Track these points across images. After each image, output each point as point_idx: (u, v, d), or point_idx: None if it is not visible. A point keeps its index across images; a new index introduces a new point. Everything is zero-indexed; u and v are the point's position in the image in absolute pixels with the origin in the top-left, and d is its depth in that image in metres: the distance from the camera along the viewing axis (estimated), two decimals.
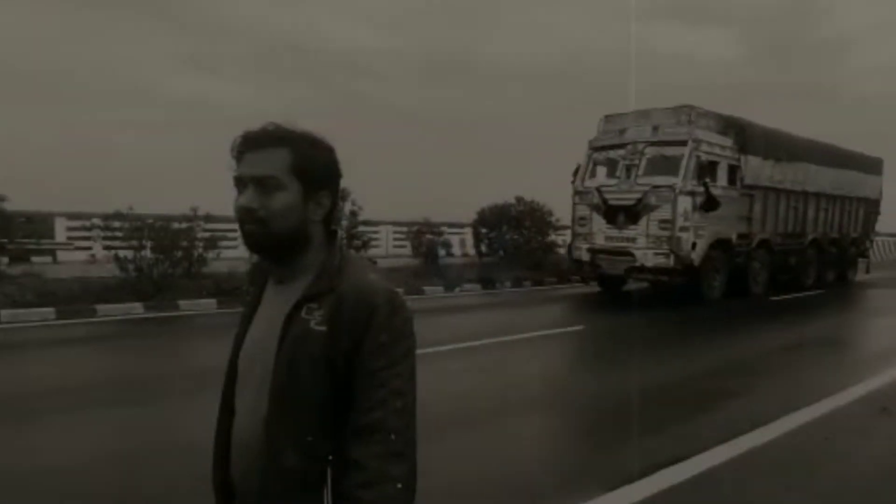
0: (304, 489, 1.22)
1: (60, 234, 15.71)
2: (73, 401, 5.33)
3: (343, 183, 1.36)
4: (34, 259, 13.24)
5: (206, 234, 12.11)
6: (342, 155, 1.33)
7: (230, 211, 1.28)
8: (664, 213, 11.96)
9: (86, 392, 5.62)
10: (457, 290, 13.56)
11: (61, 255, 14.64)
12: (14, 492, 3.61)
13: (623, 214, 12.45)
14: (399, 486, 1.17)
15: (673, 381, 6.56)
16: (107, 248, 11.60)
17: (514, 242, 16.93)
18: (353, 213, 13.42)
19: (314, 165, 1.27)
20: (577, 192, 13.61)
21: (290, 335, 1.24)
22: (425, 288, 13.09)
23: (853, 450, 4.62)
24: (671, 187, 11.91)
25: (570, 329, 9.37)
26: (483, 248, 17.55)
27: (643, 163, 12.52)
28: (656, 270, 12.23)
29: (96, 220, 12.23)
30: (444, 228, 18.50)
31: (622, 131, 13.27)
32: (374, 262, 1.38)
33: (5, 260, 11.73)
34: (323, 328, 1.22)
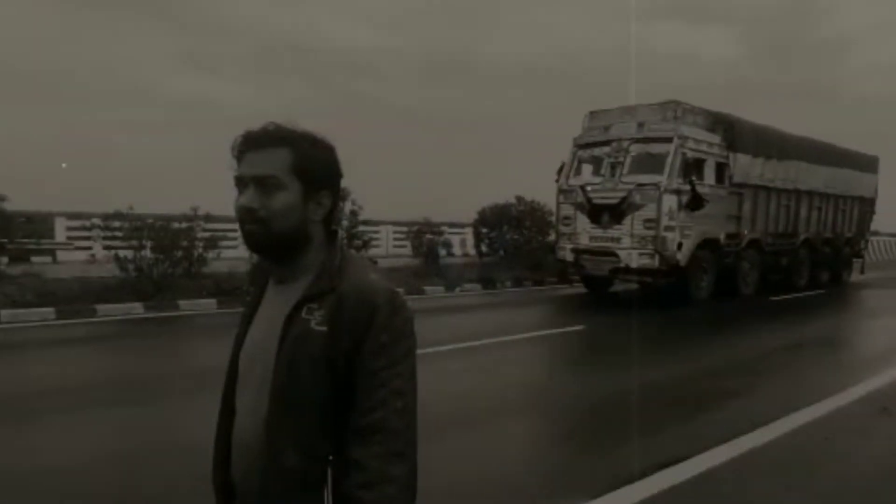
0: (305, 489, 1.22)
1: (60, 234, 15.71)
2: (73, 401, 5.33)
3: (343, 183, 1.36)
4: (34, 259, 13.25)
5: (207, 234, 12.12)
6: (342, 155, 1.33)
7: (230, 211, 1.28)
8: (649, 212, 11.65)
9: (86, 392, 5.62)
10: (457, 289, 13.56)
11: (61, 255, 14.64)
12: (14, 492, 3.61)
13: (607, 214, 12.15)
14: (399, 486, 1.17)
15: (674, 381, 6.56)
16: (107, 247, 11.60)
17: (514, 242, 16.93)
18: (354, 213, 13.41)
19: (315, 165, 1.27)
20: (561, 191, 13.32)
21: (290, 335, 1.23)
22: (426, 288, 13.09)
23: (853, 450, 4.62)
24: (656, 185, 11.60)
25: (570, 329, 9.36)
26: (483, 248, 17.55)
27: (628, 160, 12.22)
28: (641, 271, 11.96)
29: (96, 220, 12.22)
30: (445, 228, 18.50)
31: (607, 128, 12.95)
32: (375, 262, 1.38)
33: (5, 260, 11.73)
34: (323, 328, 1.21)
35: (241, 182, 1.26)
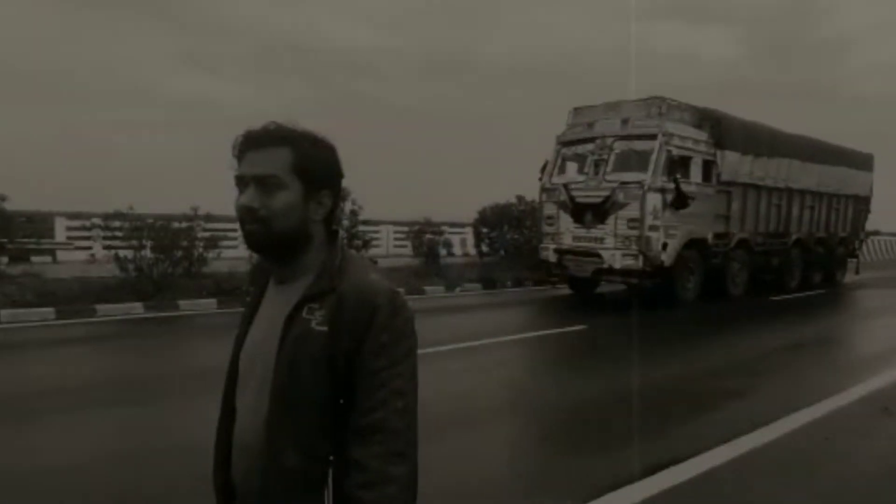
0: (305, 489, 1.22)
1: (60, 234, 15.71)
2: (73, 401, 5.33)
3: (343, 182, 1.35)
4: (34, 259, 13.24)
5: (207, 234, 12.12)
6: (342, 154, 1.33)
7: (231, 210, 1.28)
8: (633, 211, 11.31)
9: (86, 392, 5.62)
10: (457, 289, 13.55)
11: (61, 255, 14.63)
12: (14, 492, 3.61)
13: (591, 213, 11.80)
14: (400, 486, 1.17)
15: (675, 381, 6.55)
16: (107, 247, 11.59)
17: (514, 242, 16.92)
18: (354, 213, 13.40)
19: (315, 165, 1.26)
20: (544, 190, 12.96)
21: (291, 335, 1.23)
22: (426, 288, 13.08)
23: (854, 450, 4.62)
24: (640, 184, 11.25)
25: (571, 329, 9.35)
26: (484, 248, 17.54)
27: (612, 158, 11.89)
28: (625, 272, 11.61)
29: (96, 220, 12.22)
30: (445, 228, 18.49)
31: (591, 125, 12.57)
32: (375, 262, 1.38)
33: (5, 260, 11.73)
34: (324, 328, 1.21)
35: (241, 181, 1.25)
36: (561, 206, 12.42)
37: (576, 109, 13.14)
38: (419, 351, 1.27)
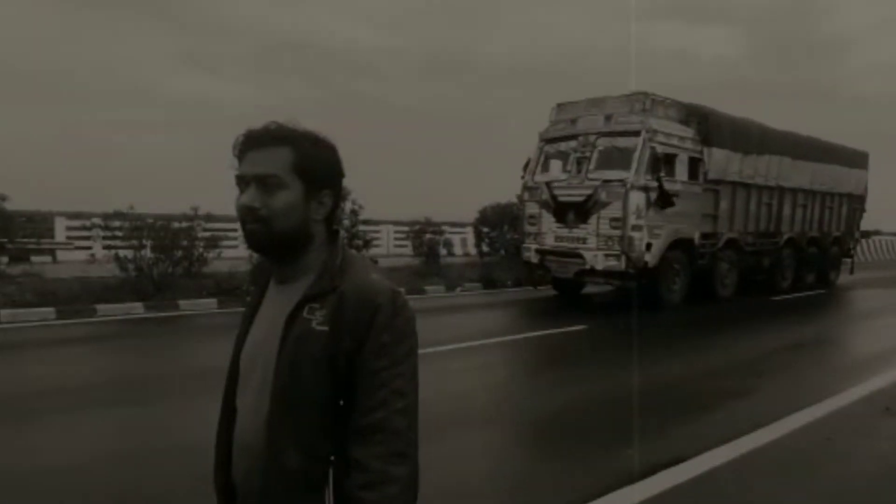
0: (306, 490, 1.22)
1: (60, 234, 15.72)
2: (73, 401, 5.33)
3: (344, 182, 1.35)
4: (34, 259, 13.24)
5: (207, 234, 12.12)
6: (343, 154, 1.33)
7: (231, 210, 1.28)
8: (615, 210, 10.93)
9: (86, 392, 5.61)
10: (458, 289, 13.54)
11: (61, 255, 14.64)
12: (14, 492, 3.61)
13: (573, 212, 11.42)
14: (401, 486, 1.17)
15: (677, 381, 6.55)
16: (107, 247, 11.59)
17: (515, 242, 16.89)
18: (354, 213, 13.40)
19: (316, 164, 1.26)
20: (526, 188, 12.59)
21: (291, 335, 1.23)
22: (426, 287, 13.08)
23: (856, 450, 4.61)
24: (623, 182, 10.88)
25: (572, 329, 9.35)
26: (484, 248, 17.53)
27: (595, 155, 11.48)
28: (607, 274, 11.24)
29: (96, 220, 12.22)
30: (446, 228, 18.49)
31: (574, 121, 12.13)
32: (376, 262, 1.38)
33: (5, 260, 11.73)
34: (325, 328, 1.21)
35: (242, 181, 1.25)
36: (543, 205, 12.07)
37: (559, 105, 12.75)
38: (419, 351, 1.27)
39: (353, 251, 1.36)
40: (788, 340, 9.28)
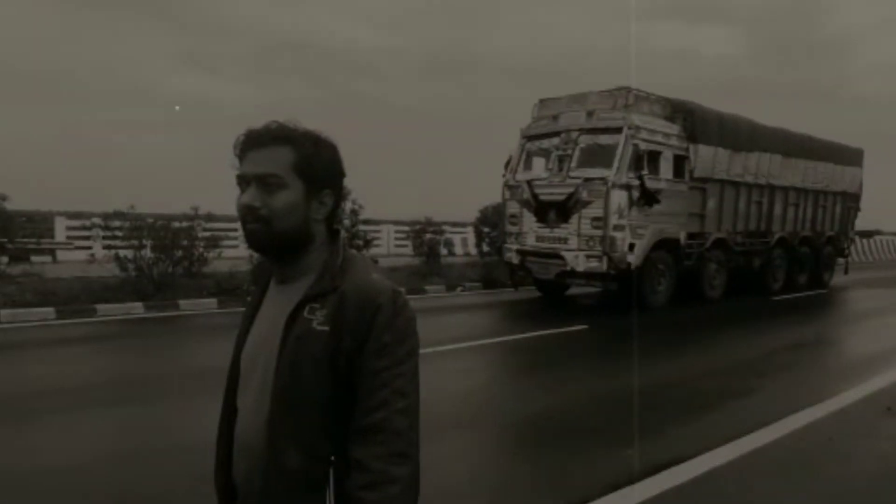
0: (307, 490, 1.22)
1: (60, 234, 15.72)
2: (73, 401, 5.32)
3: (344, 181, 1.35)
4: (34, 258, 13.25)
5: (207, 234, 12.12)
6: (343, 154, 1.33)
7: (231, 210, 1.27)
8: (597, 209, 10.58)
9: (85, 392, 5.61)
10: (458, 289, 13.54)
11: (61, 255, 14.64)
12: (14, 492, 3.61)
13: (554, 211, 11.06)
14: (403, 486, 1.16)
15: (676, 380, 6.54)
16: (107, 247, 11.59)
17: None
18: (354, 212, 13.40)
19: (317, 164, 1.26)
20: (507, 187, 12.19)
21: (292, 335, 1.23)
22: (427, 287, 13.08)
23: (857, 450, 4.60)
24: (604, 180, 10.55)
25: (573, 328, 9.34)
26: (485, 248, 17.52)
27: (576, 153, 11.12)
28: (588, 275, 10.92)
29: (96, 220, 12.23)
30: (446, 227, 18.49)
31: (556, 117, 11.76)
32: (376, 262, 1.37)
33: (5, 259, 11.73)
34: (325, 328, 1.21)
35: (243, 180, 1.25)
36: (524, 204, 11.69)
37: (541, 101, 12.36)
38: (421, 351, 1.27)
39: (354, 251, 1.36)
40: (789, 340, 9.27)
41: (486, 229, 17.53)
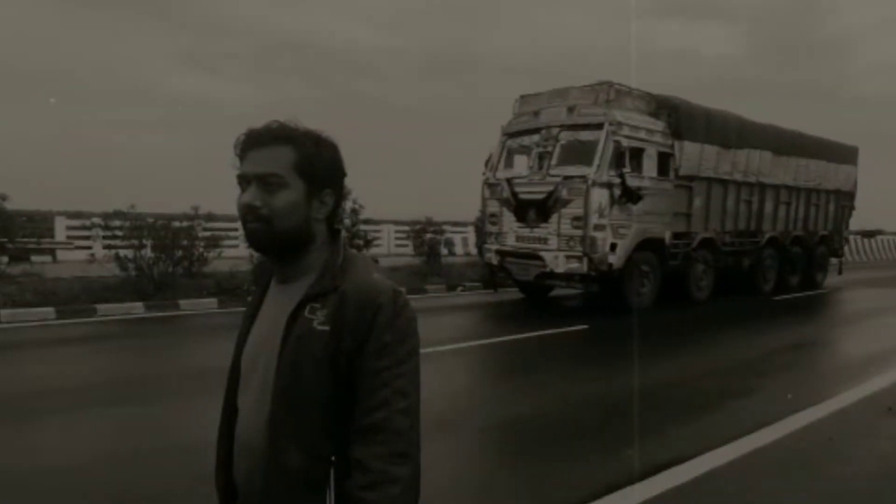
0: (308, 490, 1.22)
1: (60, 234, 15.72)
2: (73, 401, 5.32)
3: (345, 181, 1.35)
4: (34, 258, 13.24)
5: (207, 234, 12.11)
6: (343, 153, 1.32)
7: (231, 210, 1.27)
8: (577, 208, 10.25)
9: (85, 392, 5.61)
10: (459, 289, 13.53)
11: (61, 255, 14.63)
12: (14, 492, 3.61)
13: (534, 210, 10.74)
14: (403, 486, 1.16)
15: (679, 380, 6.54)
16: (107, 247, 11.58)
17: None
18: (355, 212, 13.40)
19: (318, 163, 1.26)
20: (487, 185, 11.84)
21: (293, 335, 1.23)
22: (427, 287, 13.07)
23: (858, 450, 4.60)
24: (584, 178, 10.21)
25: (573, 328, 9.34)
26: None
27: (557, 150, 10.79)
28: (568, 276, 10.59)
29: (96, 220, 12.22)
30: (447, 227, 18.48)
31: (537, 113, 11.43)
32: (376, 261, 1.37)
33: (5, 259, 11.73)
34: (326, 328, 1.21)
35: (244, 180, 1.25)
36: (504, 203, 11.37)
37: (522, 97, 12.02)
38: (422, 350, 1.27)
39: (354, 251, 1.36)
40: (788, 340, 9.27)
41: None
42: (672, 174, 11.50)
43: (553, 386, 6.38)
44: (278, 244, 1.26)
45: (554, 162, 10.77)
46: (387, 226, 20.58)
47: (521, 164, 11.74)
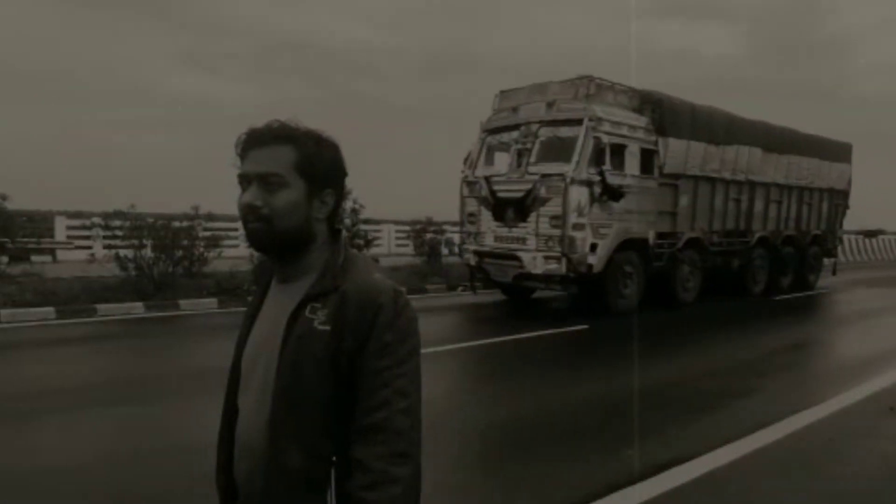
0: (308, 490, 1.21)
1: (60, 233, 15.72)
2: (73, 401, 5.32)
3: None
4: (34, 258, 13.25)
5: (208, 233, 12.11)
6: (344, 153, 1.32)
7: (231, 209, 1.27)
8: (555, 207, 9.90)
9: (85, 392, 5.61)
10: (459, 289, 13.52)
11: (61, 255, 14.64)
12: (14, 492, 3.60)
13: (512, 209, 10.39)
14: (404, 487, 1.16)
15: (679, 380, 6.53)
16: (107, 247, 11.58)
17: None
18: (355, 211, 13.40)
19: (319, 163, 1.26)
20: (466, 183, 11.49)
21: (293, 335, 1.23)
22: (428, 287, 13.07)
23: (858, 451, 4.60)
24: (562, 176, 9.88)
25: (573, 328, 9.33)
26: None
27: (536, 146, 10.45)
28: (546, 278, 10.27)
29: (96, 219, 12.22)
30: (447, 227, 18.45)
31: (516, 109, 11.12)
32: (377, 261, 1.37)
33: (6, 259, 11.73)
34: (327, 328, 1.21)
35: (244, 179, 1.25)
36: (482, 202, 11.02)
37: (502, 92, 11.65)
38: (423, 350, 1.27)
39: (355, 251, 1.36)
40: (789, 340, 9.27)
41: None
42: (656, 172, 11.16)
43: (553, 386, 6.37)
44: (279, 244, 1.25)
45: (533, 159, 10.45)
46: (387, 225, 20.58)
47: (504, 162, 11.33)
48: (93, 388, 5.74)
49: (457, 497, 3.70)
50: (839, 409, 5.50)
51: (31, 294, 9.58)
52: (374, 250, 15.74)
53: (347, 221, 12.93)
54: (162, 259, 10.80)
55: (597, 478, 3.97)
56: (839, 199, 16.54)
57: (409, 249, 17.60)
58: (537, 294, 12.21)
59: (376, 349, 1.19)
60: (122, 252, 10.69)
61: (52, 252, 14.65)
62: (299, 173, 1.23)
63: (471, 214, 11.42)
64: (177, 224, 11.32)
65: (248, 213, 1.22)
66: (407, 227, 19.17)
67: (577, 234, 9.88)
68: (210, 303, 10.36)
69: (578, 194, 9.87)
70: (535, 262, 10.15)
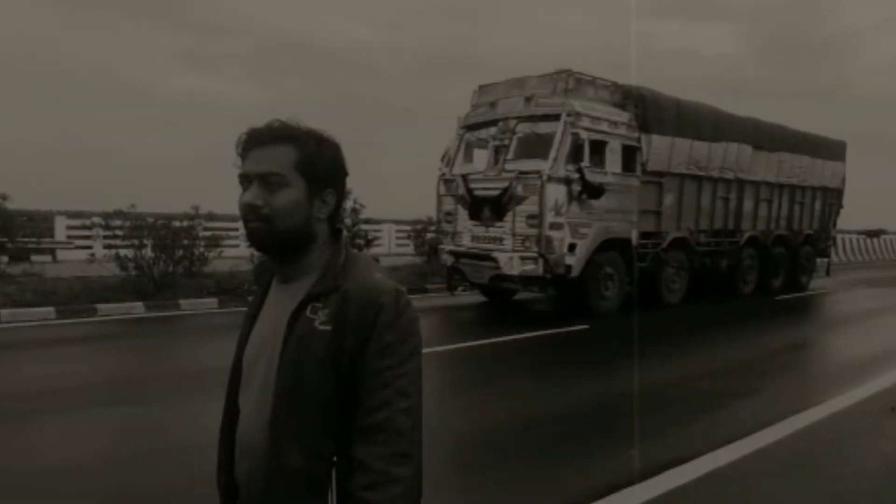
0: (309, 490, 1.21)
1: (60, 233, 15.72)
2: (73, 401, 5.32)
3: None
4: (34, 258, 13.24)
5: (208, 233, 12.11)
6: (344, 153, 1.32)
7: (232, 209, 1.27)
8: (532, 206, 9.57)
9: (85, 392, 5.61)
10: (460, 289, 13.50)
11: (61, 254, 14.63)
12: (14, 492, 3.60)
13: (489, 208, 10.06)
14: (405, 487, 1.16)
15: (678, 381, 6.53)
16: (107, 246, 11.58)
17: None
18: (355, 211, 13.39)
19: (320, 163, 1.25)
20: (443, 181, 11.14)
21: (294, 335, 1.22)
22: (428, 286, 13.07)
23: (859, 451, 4.59)
24: (539, 173, 9.55)
25: (574, 328, 9.32)
26: None
27: (514, 143, 10.17)
28: (524, 279, 9.96)
29: (96, 219, 12.22)
30: None
31: (493, 104, 10.76)
32: (377, 261, 1.37)
33: (6, 259, 11.73)
34: (328, 328, 1.20)
35: (245, 179, 1.24)
36: (459, 200, 10.68)
37: (481, 87, 11.27)
38: (424, 350, 1.26)
39: (356, 250, 1.35)
40: (789, 340, 9.27)
41: None
42: (639, 169, 10.82)
43: (554, 386, 6.38)
44: (280, 244, 1.25)
45: (510, 156, 10.15)
46: (387, 225, 20.59)
47: (483, 159, 11.06)
48: (93, 388, 5.74)
49: (457, 497, 3.69)
50: (840, 410, 5.50)
51: (31, 294, 9.58)
52: (374, 250, 15.74)
53: (348, 221, 12.92)
54: (162, 259, 10.80)
55: (597, 478, 3.97)
56: (833, 197, 16.22)
57: (410, 249, 17.61)
58: (520, 295, 11.91)
59: (377, 349, 1.19)
60: (122, 252, 10.69)
61: (52, 252, 14.64)
62: (300, 173, 1.23)
63: (448, 213, 11.11)
64: (177, 224, 11.32)
65: (249, 213, 1.22)
66: (407, 227, 19.18)
67: (555, 234, 9.56)
68: (210, 303, 10.36)
69: (556, 192, 9.56)
70: (512, 262, 9.83)
